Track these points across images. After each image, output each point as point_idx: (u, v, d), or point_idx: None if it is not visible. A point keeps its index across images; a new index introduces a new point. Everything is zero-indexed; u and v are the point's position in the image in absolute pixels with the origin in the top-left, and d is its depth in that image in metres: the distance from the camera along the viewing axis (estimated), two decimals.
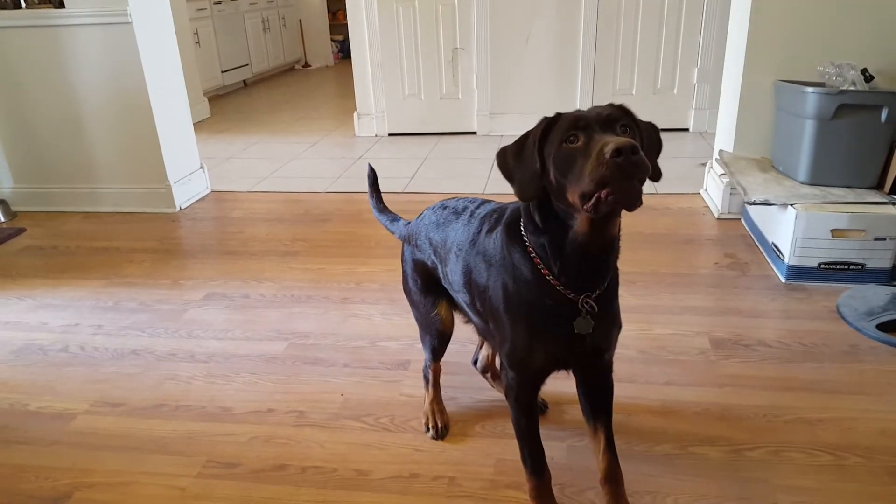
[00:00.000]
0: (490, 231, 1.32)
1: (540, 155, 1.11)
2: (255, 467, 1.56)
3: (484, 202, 1.48)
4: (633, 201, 1.01)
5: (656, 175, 1.13)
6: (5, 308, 2.41)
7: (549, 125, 1.11)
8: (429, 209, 1.60)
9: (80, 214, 3.37)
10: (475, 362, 1.86)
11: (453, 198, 1.58)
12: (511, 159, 1.17)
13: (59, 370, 2.01)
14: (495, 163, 1.21)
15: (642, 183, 1.01)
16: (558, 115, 1.11)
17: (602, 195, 0.99)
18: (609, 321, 1.25)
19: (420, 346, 1.69)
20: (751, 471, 1.49)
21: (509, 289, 1.24)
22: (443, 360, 1.68)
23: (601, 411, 1.35)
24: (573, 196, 1.04)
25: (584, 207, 1.02)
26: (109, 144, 3.30)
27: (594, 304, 1.18)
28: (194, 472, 1.55)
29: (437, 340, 1.61)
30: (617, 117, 1.07)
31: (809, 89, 2.36)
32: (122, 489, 1.52)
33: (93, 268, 2.72)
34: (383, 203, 1.82)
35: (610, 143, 0.97)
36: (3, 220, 3.30)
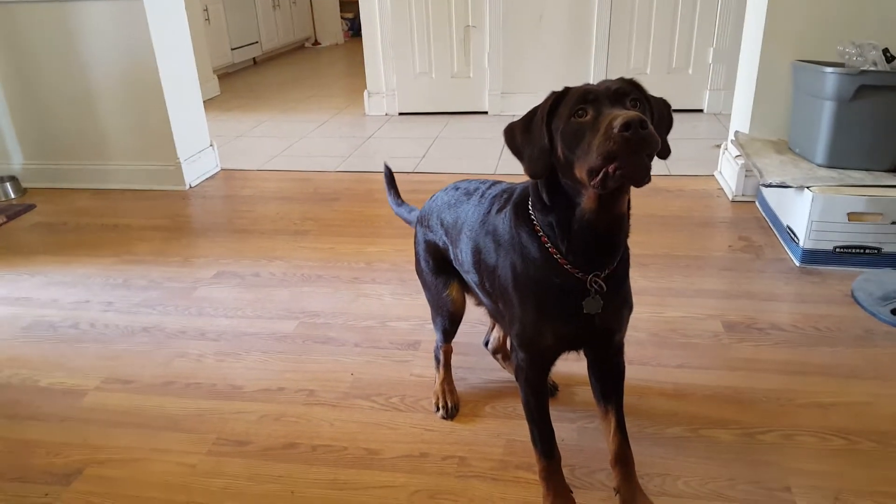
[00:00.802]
0: (499, 211, 1.32)
1: (548, 130, 1.09)
2: (265, 445, 1.57)
3: (495, 183, 1.46)
4: (642, 177, 0.99)
5: (665, 152, 1.11)
6: (16, 284, 2.42)
7: (557, 99, 1.09)
8: (441, 190, 1.59)
9: (89, 191, 3.37)
10: (486, 343, 1.85)
11: (466, 179, 1.56)
12: (519, 135, 1.15)
13: (69, 347, 2.01)
14: (503, 139, 1.19)
15: (651, 158, 0.99)
16: (567, 89, 1.09)
17: (610, 170, 0.97)
18: (619, 301, 1.23)
19: (431, 326, 1.69)
20: (763, 454, 1.48)
21: (517, 268, 1.23)
22: (454, 340, 1.67)
23: (612, 393, 1.34)
24: (581, 171, 1.03)
25: (592, 183, 1.01)
26: (119, 121, 3.29)
27: (603, 284, 1.17)
28: (204, 449, 1.56)
29: (449, 322, 1.61)
30: (626, 91, 1.05)
31: (829, 69, 2.30)
32: (133, 465, 1.52)
33: (103, 245, 2.72)
34: (401, 198, 1.84)
35: (618, 116, 0.95)
36: (13, 196, 3.30)
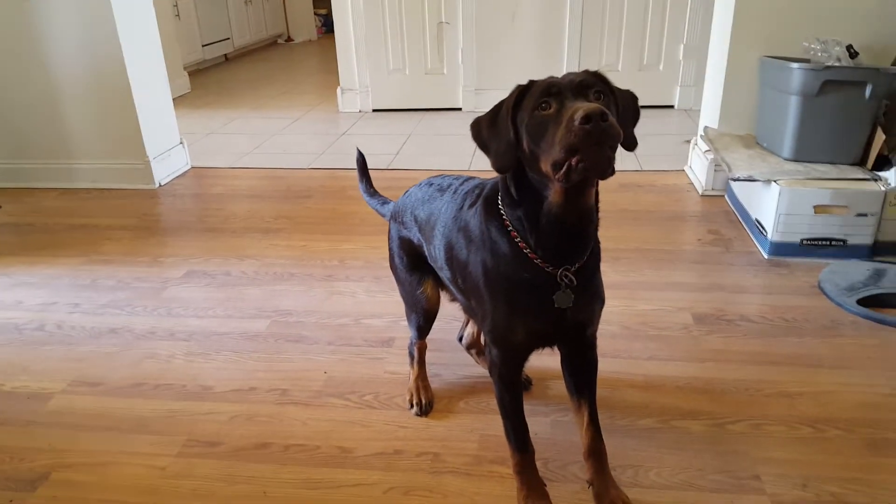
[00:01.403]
0: (471, 206, 1.31)
1: (513, 124, 1.09)
2: (236, 446, 1.55)
3: (468, 179, 1.46)
4: (604, 168, 0.99)
5: (631, 144, 1.11)
6: None
7: (522, 93, 1.09)
8: (415, 186, 1.58)
9: (56, 190, 3.29)
10: (460, 339, 1.85)
11: (440, 175, 1.56)
12: (485, 130, 1.15)
13: (35, 349, 1.97)
14: (470, 134, 1.18)
15: (613, 150, 0.99)
16: (531, 82, 1.09)
17: (573, 162, 0.97)
18: (590, 295, 1.24)
19: (405, 323, 1.68)
20: (732, 444, 1.50)
21: (488, 264, 1.23)
22: (428, 337, 1.67)
23: (585, 387, 1.35)
24: (545, 165, 1.03)
25: (556, 176, 1.01)
26: (86, 119, 3.22)
27: (573, 278, 1.17)
28: (174, 451, 1.53)
29: (423, 318, 1.60)
30: (590, 83, 1.05)
31: (795, 65, 2.34)
32: (101, 469, 1.49)
33: (70, 245, 2.67)
34: (373, 187, 1.82)
35: (579, 109, 0.95)
36: None
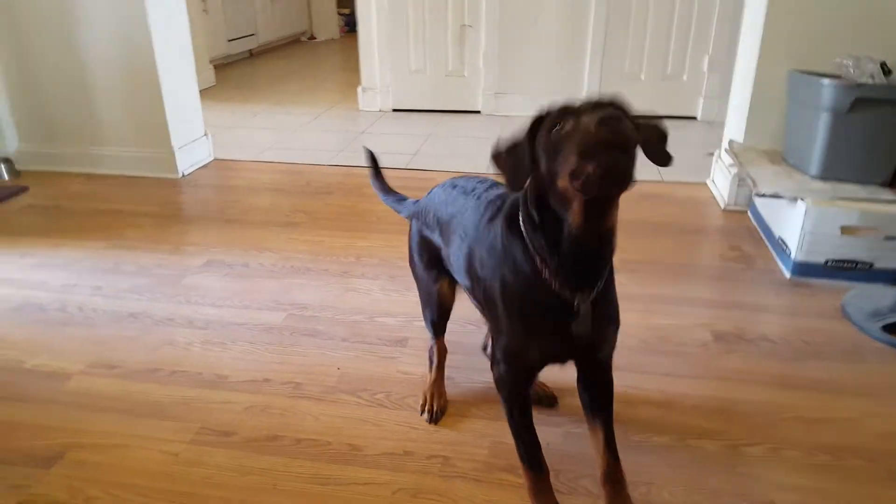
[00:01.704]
0: (492, 219, 1.30)
1: (531, 149, 1.09)
2: (249, 436, 1.55)
3: (493, 185, 1.45)
4: (622, 175, 0.98)
5: (665, 158, 1.10)
6: (5, 265, 2.39)
7: (538, 119, 1.09)
8: (439, 187, 1.58)
9: (83, 176, 3.33)
10: (485, 348, 1.83)
11: (464, 176, 1.56)
12: (504, 158, 1.15)
13: (56, 330, 1.99)
14: (490, 162, 1.18)
15: (632, 157, 0.98)
16: (547, 110, 1.09)
17: (590, 170, 0.96)
18: (606, 320, 1.22)
19: (420, 323, 1.69)
20: (748, 467, 1.47)
21: (507, 283, 1.22)
22: (444, 339, 1.67)
23: (600, 409, 1.32)
24: (564, 180, 1.01)
25: (575, 186, 1.00)
26: (115, 107, 3.26)
27: (589, 304, 1.16)
28: (188, 438, 1.55)
29: (437, 314, 1.61)
30: (606, 105, 1.04)
31: (826, 81, 2.28)
32: (116, 451, 1.51)
33: (94, 229, 2.70)
34: (387, 184, 1.81)
35: (594, 115, 0.96)
36: (7, 178, 3.27)
